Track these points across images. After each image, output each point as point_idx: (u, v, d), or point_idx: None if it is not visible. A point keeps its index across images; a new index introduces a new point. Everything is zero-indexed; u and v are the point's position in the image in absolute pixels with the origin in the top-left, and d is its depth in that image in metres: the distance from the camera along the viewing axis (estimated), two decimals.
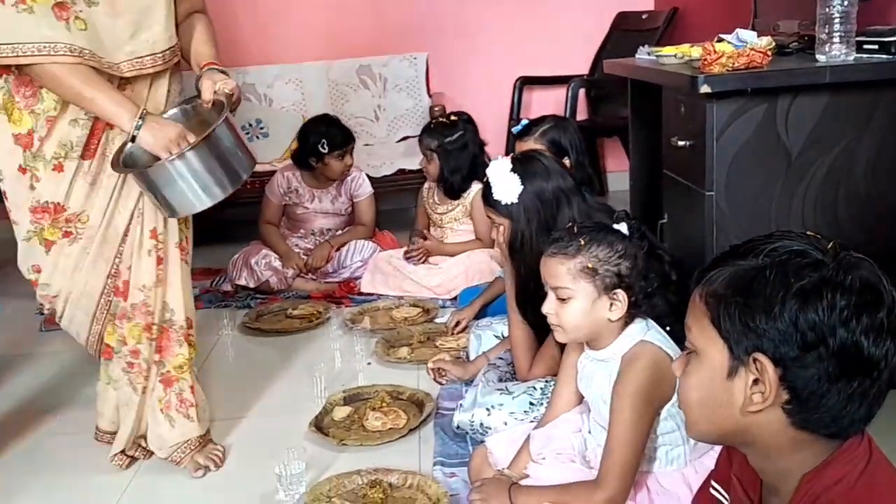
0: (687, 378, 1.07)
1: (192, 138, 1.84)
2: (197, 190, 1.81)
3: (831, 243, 1.00)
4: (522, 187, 1.98)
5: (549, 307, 1.65)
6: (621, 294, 1.62)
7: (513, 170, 1.99)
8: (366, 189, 3.71)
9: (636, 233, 1.66)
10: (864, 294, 0.96)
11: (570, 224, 1.71)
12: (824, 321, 0.95)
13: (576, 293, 1.62)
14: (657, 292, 1.65)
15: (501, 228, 2.02)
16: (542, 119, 2.59)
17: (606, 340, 1.66)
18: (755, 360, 1.00)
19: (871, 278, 0.97)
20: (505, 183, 1.98)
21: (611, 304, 1.62)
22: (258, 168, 4.18)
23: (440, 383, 2.45)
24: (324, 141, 3.51)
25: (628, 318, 1.65)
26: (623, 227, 1.66)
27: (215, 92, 1.93)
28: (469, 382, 2.37)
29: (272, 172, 3.79)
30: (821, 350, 0.96)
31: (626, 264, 1.62)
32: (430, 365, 2.42)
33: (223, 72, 1.97)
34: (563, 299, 1.63)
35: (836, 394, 0.97)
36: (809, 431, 1.01)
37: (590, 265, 1.61)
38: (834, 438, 1.01)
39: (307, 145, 3.58)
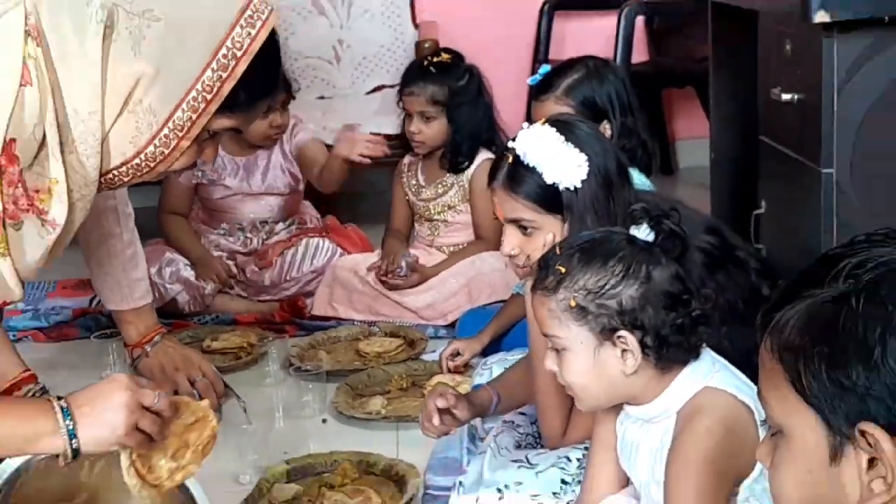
0: (777, 472, 1.10)
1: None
2: None
3: None
4: (588, 160, 1.93)
5: (549, 364, 1.69)
6: (630, 338, 1.62)
7: (568, 139, 1.94)
8: (307, 133, 3.71)
9: (666, 235, 1.65)
10: None
11: (561, 241, 1.74)
12: None
13: (569, 343, 1.64)
14: (720, 316, 1.66)
15: (550, 238, 1.94)
16: (570, 65, 2.58)
17: (649, 394, 1.67)
18: (862, 432, 1.01)
19: None
20: (561, 157, 1.92)
21: (622, 353, 1.63)
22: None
23: (431, 435, 2.26)
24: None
25: (685, 358, 1.65)
26: (641, 231, 1.66)
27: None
28: (470, 446, 2.38)
29: None
30: None
31: (631, 292, 1.61)
32: (440, 403, 2.16)
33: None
34: (559, 351, 1.66)
35: None
36: None
37: (573, 302, 1.62)
38: None
39: None
